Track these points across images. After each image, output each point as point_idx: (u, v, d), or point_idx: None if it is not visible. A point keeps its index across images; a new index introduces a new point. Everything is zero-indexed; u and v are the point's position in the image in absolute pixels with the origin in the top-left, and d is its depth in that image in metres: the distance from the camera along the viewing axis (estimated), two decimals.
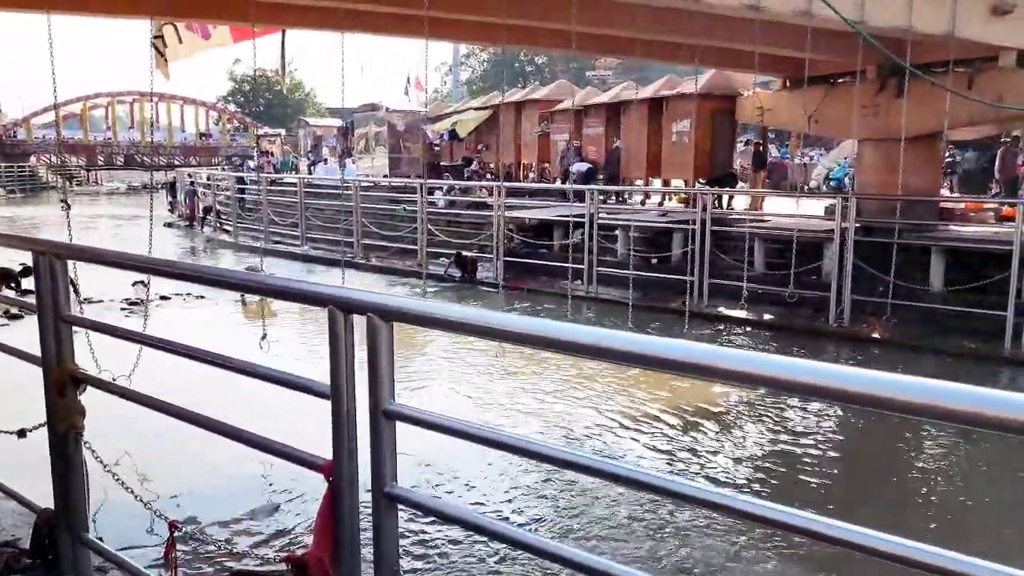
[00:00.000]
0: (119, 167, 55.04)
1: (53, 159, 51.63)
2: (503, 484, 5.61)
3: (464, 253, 14.24)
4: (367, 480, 1.91)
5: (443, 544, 4.41)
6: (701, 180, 15.70)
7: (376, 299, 1.87)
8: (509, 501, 5.34)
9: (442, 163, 23.70)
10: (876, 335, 9.75)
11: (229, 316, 12.34)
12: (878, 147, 12.26)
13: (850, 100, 12.31)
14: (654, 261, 13.20)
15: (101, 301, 12.09)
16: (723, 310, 11.39)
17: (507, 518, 5.01)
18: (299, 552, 2.55)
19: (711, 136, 14.95)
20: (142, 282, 12.92)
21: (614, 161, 17.43)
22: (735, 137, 15.84)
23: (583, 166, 17.60)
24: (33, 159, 50.06)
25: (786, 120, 14.68)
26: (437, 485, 5.37)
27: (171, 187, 29.50)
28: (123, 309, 11.84)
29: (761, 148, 16.10)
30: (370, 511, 1.92)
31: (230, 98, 63.41)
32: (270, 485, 5.49)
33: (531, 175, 21.56)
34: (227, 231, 21.92)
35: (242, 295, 12.88)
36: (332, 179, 19.86)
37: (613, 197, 17.27)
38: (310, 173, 23.39)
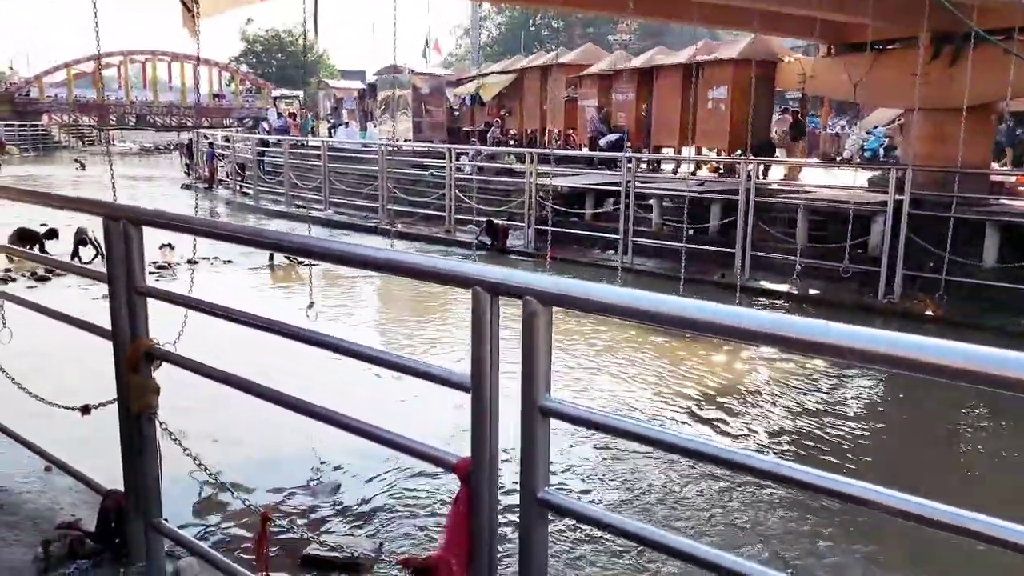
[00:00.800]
0: (131, 127, 54.64)
1: (65, 118, 51.30)
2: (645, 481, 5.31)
3: (495, 221, 13.94)
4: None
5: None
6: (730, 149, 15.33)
7: (532, 280, 1.65)
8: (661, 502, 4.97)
9: (464, 128, 23.29)
10: (929, 312, 9.45)
11: (262, 281, 12.11)
12: (928, 117, 11.85)
13: (899, 67, 11.88)
14: (690, 232, 12.89)
15: None
16: (767, 284, 11.10)
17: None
18: (421, 554, 2.33)
19: (749, 103, 14.51)
20: (169, 245, 12.71)
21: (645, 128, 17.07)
22: (773, 105, 15.38)
23: (612, 137, 17.20)
24: (45, 118, 49.68)
25: (829, 88, 14.24)
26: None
27: (188, 149, 29.16)
28: (151, 273, 11.58)
29: (800, 117, 15.66)
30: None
31: (242, 59, 62.72)
32: (326, 463, 5.28)
33: (556, 142, 21.14)
34: (247, 194, 21.63)
35: (270, 259, 12.65)
36: (358, 143, 19.53)
37: (644, 165, 16.92)
38: (330, 136, 23.01)
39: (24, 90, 48.35)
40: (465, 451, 1.81)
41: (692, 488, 5.07)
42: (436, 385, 1.89)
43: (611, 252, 13.34)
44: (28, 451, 4.10)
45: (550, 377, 1.66)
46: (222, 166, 23.57)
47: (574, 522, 4.29)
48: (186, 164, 30.28)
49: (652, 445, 1.76)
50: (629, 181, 12.67)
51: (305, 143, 20.56)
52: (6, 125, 42.25)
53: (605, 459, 5.49)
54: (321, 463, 5.23)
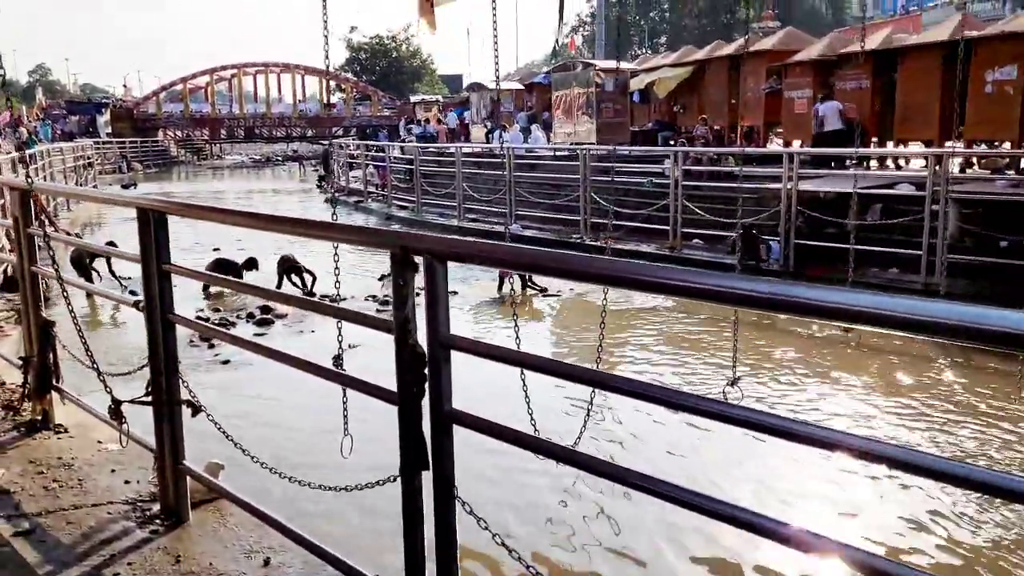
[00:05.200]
0: (241, 140, 54.53)
1: (179, 133, 51.39)
2: None
3: (755, 232, 11.83)
4: None
5: None
6: None
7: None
8: None
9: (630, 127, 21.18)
10: None
11: (492, 315, 10.31)
12: None
13: None
14: (1003, 244, 10.55)
15: (344, 299, 10.21)
16: None
17: None
18: None
19: None
20: (388, 276, 11.07)
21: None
22: None
23: (832, 106, 14.73)
24: (160, 133, 49.84)
25: None
26: None
27: (324, 160, 27.93)
28: (379, 311, 9.89)
29: None
30: None
31: (347, 67, 62.29)
32: None
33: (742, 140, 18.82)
34: (405, 207, 20.08)
35: (500, 288, 10.85)
36: (539, 147, 17.74)
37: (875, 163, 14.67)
38: (487, 141, 21.32)
39: (143, 107, 48.66)
40: None
41: None
42: None
43: (894, 271, 11.14)
44: None
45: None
46: (370, 178, 22.15)
47: None
48: (320, 177, 29.08)
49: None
50: (936, 183, 10.36)
51: (458, 150, 18.80)
52: (130, 142, 42.30)
53: None
54: None
